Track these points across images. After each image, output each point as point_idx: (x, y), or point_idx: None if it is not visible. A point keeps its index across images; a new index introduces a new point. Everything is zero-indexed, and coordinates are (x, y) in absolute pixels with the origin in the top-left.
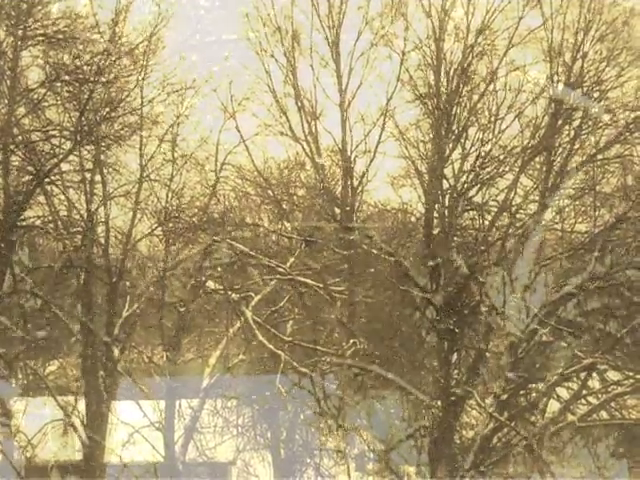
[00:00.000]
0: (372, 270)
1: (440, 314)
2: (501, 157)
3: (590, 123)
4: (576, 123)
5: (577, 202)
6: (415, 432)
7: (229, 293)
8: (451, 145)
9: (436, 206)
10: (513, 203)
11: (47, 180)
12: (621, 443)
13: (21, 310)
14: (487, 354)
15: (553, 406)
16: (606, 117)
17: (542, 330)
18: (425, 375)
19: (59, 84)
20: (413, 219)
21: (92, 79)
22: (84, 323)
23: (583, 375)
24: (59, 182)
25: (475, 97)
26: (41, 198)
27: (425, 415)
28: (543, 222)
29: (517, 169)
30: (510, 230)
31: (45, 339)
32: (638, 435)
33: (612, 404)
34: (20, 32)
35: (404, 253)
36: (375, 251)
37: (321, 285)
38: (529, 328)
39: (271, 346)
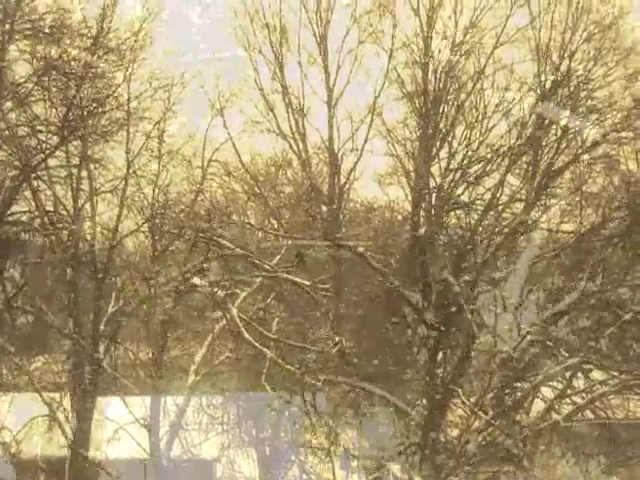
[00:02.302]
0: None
1: (431, 332)
2: (488, 156)
3: (577, 123)
4: (563, 122)
5: (563, 201)
6: (406, 449)
7: (215, 290)
8: (438, 143)
9: (423, 204)
10: (500, 202)
11: (34, 175)
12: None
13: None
14: (473, 352)
15: (538, 405)
16: (593, 116)
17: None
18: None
19: (46, 79)
20: (400, 217)
21: (79, 74)
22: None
23: (568, 374)
24: (46, 177)
25: (462, 95)
26: (27, 193)
27: (415, 432)
28: (534, 242)
29: (504, 168)
30: (496, 229)
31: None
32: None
33: (597, 404)
34: (7, 26)
35: (391, 251)
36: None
37: (308, 283)
38: (520, 346)
39: (257, 344)
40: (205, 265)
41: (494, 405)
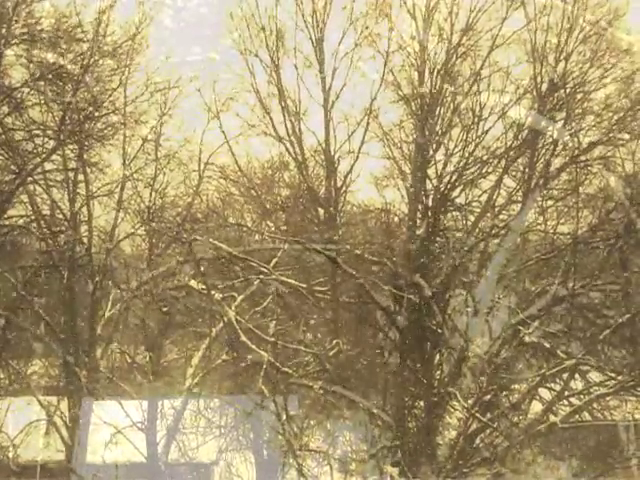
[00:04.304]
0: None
1: (402, 336)
2: (484, 158)
3: (573, 124)
4: (559, 124)
5: (560, 203)
6: (378, 452)
7: (212, 293)
8: (434, 146)
9: (419, 206)
10: (496, 204)
11: (30, 179)
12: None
13: None
14: (470, 354)
15: (535, 407)
16: (590, 118)
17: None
18: (388, 396)
19: (42, 83)
20: (396, 219)
21: (76, 78)
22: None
23: (565, 376)
24: (42, 181)
25: (459, 98)
26: (24, 197)
27: (387, 436)
28: (506, 245)
29: (500, 170)
30: (493, 231)
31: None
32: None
33: (594, 405)
34: (4, 30)
35: (388, 254)
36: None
37: (304, 285)
38: (491, 350)
39: (254, 346)
40: (178, 268)
41: (491, 407)
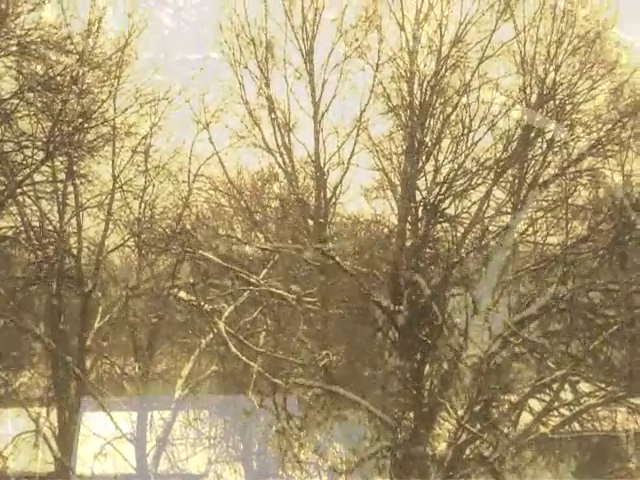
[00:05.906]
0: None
1: (402, 335)
2: (474, 169)
3: (562, 136)
4: (549, 135)
5: (549, 214)
6: (377, 452)
7: (201, 304)
8: (424, 157)
9: (409, 218)
10: (486, 215)
11: (19, 191)
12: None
13: None
14: (460, 365)
15: (525, 418)
16: (579, 130)
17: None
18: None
19: (32, 95)
20: (386, 231)
21: (65, 90)
22: (55, 334)
23: (555, 387)
24: (31, 193)
25: (448, 109)
26: (13, 209)
27: (387, 435)
28: (506, 243)
29: (490, 181)
30: (482, 242)
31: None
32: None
33: (584, 416)
34: None
35: (377, 264)
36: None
37: (294, 296)
38: (491, 349)
39: (244, 357)
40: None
41: (481, 418)
